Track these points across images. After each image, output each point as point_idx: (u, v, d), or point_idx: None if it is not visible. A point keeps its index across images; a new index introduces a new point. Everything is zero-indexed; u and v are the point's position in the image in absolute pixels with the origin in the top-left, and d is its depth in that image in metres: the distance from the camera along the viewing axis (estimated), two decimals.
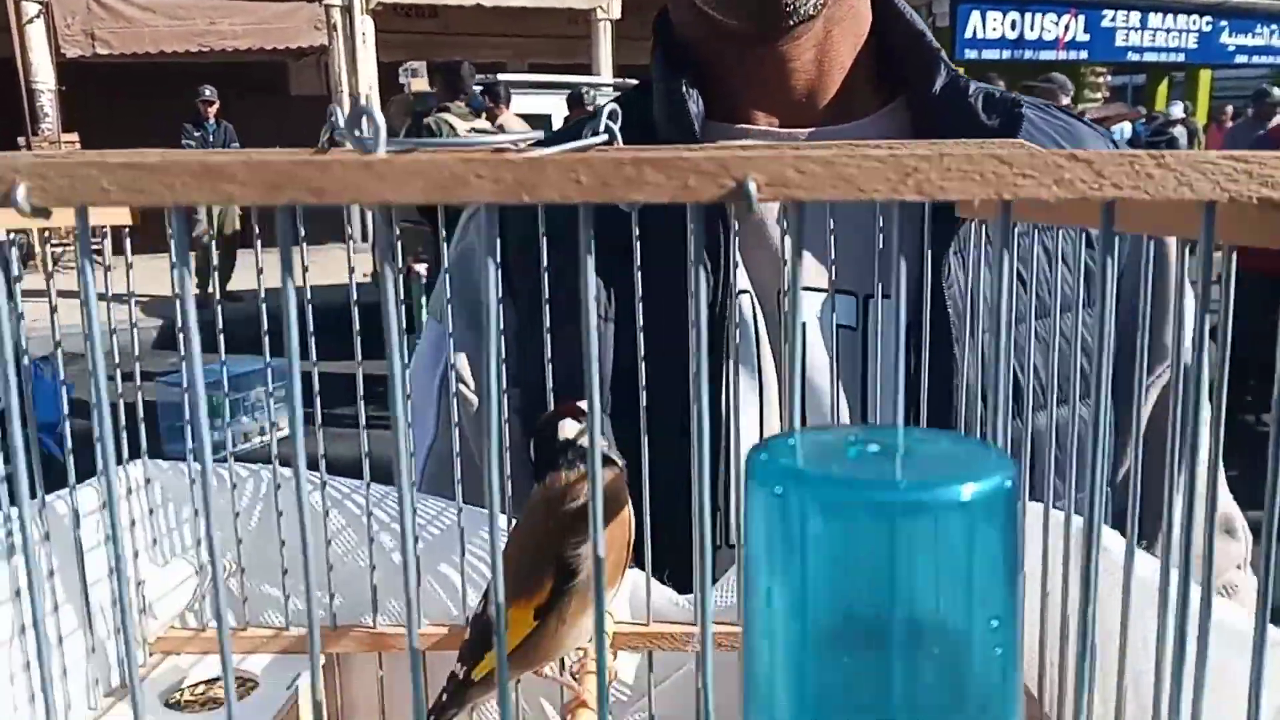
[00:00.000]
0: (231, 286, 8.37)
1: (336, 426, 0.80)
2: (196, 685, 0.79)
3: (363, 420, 0.78)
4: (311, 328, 0.67)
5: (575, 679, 0.70)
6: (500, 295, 0.96)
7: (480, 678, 0.66)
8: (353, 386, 0.73)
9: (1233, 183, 0.30)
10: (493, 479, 0.38)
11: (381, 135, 0.34)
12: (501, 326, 0.81)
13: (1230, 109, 12.61)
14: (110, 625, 0.77)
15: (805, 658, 0.31)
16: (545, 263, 0.73)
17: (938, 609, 0.29)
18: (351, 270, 0.75)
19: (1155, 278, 0.92)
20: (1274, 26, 17.98)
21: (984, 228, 0.98)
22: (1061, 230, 0.74)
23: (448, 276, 0.81)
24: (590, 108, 6.54)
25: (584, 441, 0.64)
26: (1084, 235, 0.75)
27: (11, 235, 0.62)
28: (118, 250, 0.72)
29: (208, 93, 8.88)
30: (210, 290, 7.45)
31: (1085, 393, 0.86)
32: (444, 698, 0.67)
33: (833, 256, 0.77)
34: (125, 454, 0.80)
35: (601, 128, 0.48)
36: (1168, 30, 17.04)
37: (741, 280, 0.97)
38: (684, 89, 0.96)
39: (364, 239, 9.46)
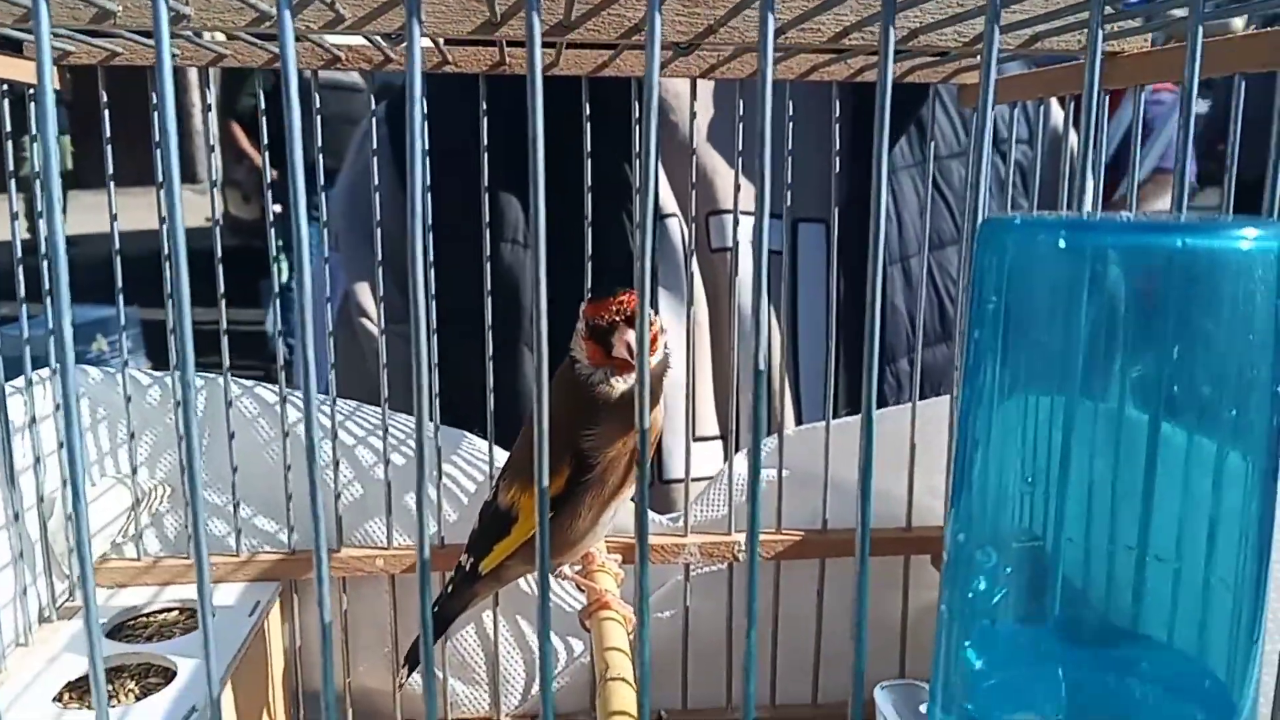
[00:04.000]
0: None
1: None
2: (139, 617, 0.72)
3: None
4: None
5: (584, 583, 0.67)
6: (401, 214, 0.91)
7: (488, 570, 0.61)
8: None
9: None
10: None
11: None
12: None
13: None
14: (37, 553, 0.69)
15: (1073, 434, 0.28)
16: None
17: (1223, 374, 0.27)
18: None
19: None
20: None
21: (912, 145, 1.00)
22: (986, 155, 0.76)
23: (339, 200, 0.74)
24: None
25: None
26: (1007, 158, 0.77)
27: None
28: None
29: None
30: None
31: None
32: (449, 589, 0.63)
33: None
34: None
35: None
36: None
37: (669, 203, 0.95)
38: None
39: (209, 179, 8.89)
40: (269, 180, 0.68)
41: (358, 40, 0.61)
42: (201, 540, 0.31)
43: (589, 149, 0.70)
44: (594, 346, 0.59)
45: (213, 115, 0.73)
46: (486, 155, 0.69)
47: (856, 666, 0.37)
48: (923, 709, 0.45)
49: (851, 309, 0.83)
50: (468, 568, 0.62)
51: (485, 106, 0.67)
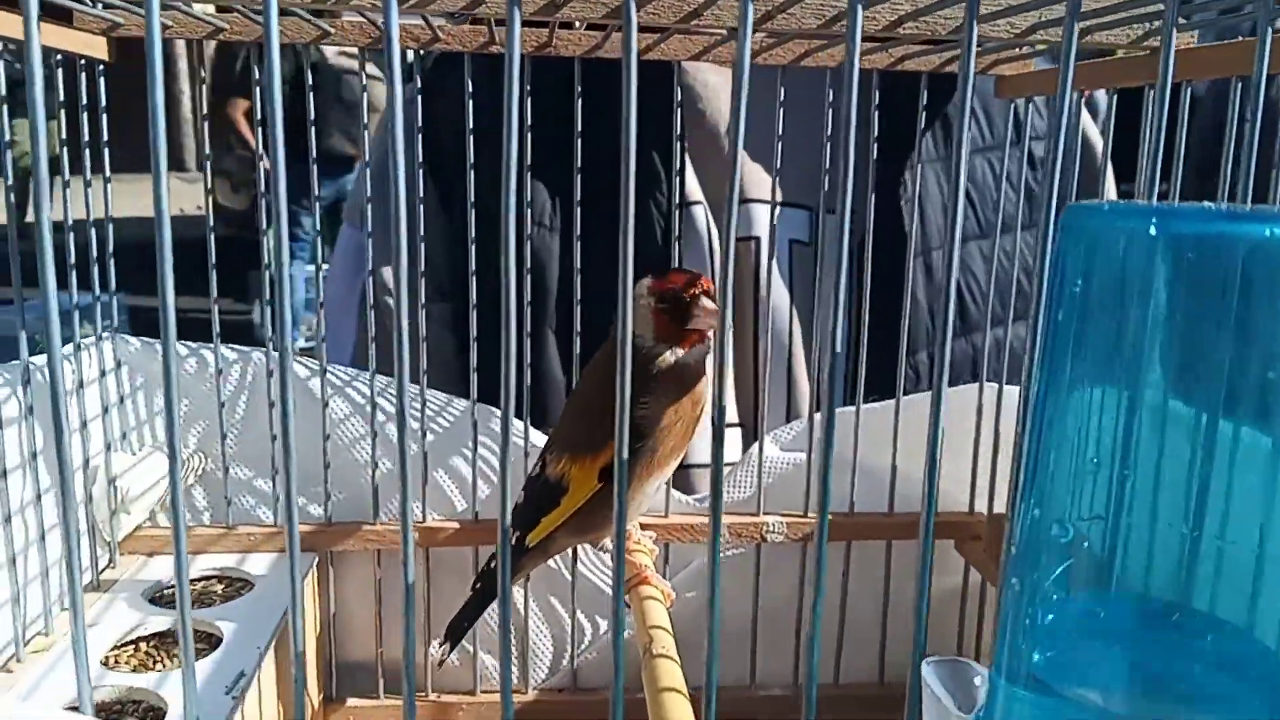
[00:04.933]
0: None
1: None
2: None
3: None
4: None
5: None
6: (432, 196, 0.92)
7: (535, 543, 0.62)
8: None
9: None
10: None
11: None
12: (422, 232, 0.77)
13: None
14: (77, 520, 0.70)
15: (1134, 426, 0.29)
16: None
17: None
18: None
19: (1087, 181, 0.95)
20: None
21: (937, 140, 1.01)
22: (1007, 151, 0.78)
23: (367, 174, 0.74)
24: None
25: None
26: (1028, 155, 0.78)
27: None
28: None
29: None
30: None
31: (1023, 311, 0.90)
32: (492, 564, 0.64)
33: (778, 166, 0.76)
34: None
35: None
36: None
37: (695, 191, 0.96)
38: None
39: (198, 169, 8.79)
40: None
41: (413, 19, 0.62)
42: (180, 512, 0.32)
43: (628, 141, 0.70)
44: (665, 320, 0.60)
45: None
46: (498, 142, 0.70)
47: (916, 641, 0.38)
48: (977, 681, 0.46)
49: (875, 297, 0.84)
50: (513, 541, 0.63)
51: (529, 87, 0.68)
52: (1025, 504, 0.33)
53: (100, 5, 0.64)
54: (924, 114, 0.73)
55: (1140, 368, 0.29)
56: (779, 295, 0.96)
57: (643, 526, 0.74)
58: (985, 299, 0.82)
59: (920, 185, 0.94)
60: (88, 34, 0.65)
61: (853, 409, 0.79)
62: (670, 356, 0.61)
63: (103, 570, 0.72)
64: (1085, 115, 0.95)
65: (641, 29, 0.66)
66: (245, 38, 0.67)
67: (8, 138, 0.58)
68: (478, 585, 0.64)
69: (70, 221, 0.67)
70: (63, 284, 0.66)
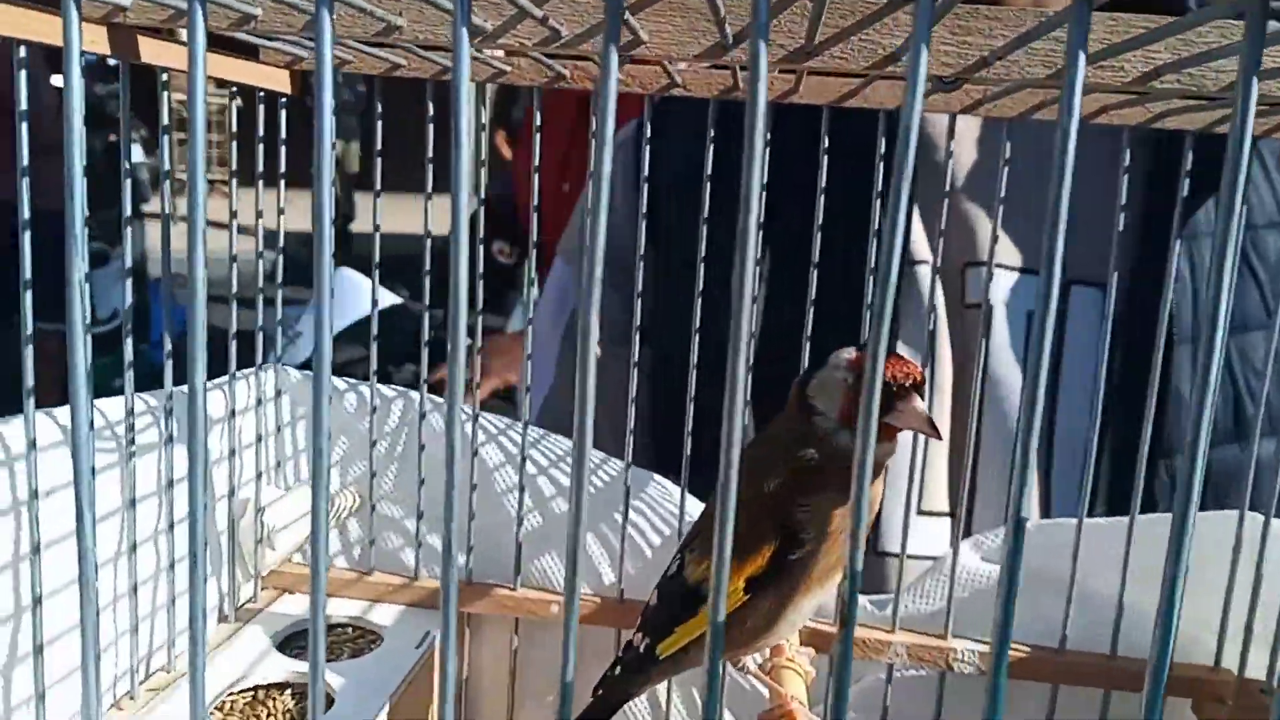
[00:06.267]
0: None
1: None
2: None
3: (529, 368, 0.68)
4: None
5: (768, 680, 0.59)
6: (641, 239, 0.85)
7: (666, 654, 0.54)
8: None
9: None
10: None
11: None
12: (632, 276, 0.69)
13: None
14: (223, 551, 0.68)
15: None
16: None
17: None
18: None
19: None
20: None
21: (1219, 210, 0.84)
22: None
23: (578, 217, 0.68)
24: None
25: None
26: None
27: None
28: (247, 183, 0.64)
29: None
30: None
31: None
32: (616, 670, 0.56)
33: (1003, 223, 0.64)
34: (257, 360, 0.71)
35: None
36: None
37: (921, 250, 0.85)
38: None
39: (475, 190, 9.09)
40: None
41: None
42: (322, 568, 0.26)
43: (823, 184, 0.62)
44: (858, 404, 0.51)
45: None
46: (722, 187, 0.62)
47: None
48: None
49: (1126, 389, 0.70)
50: (642, 649, 0.55)
51: (713, 133, 0.61)
52: None
53: (282, 40, 0.62)
54: (1187, 179, 0.60)
55: None
56: (1009, 373, 0.84)
57: (802, 639, 0.64)
58: (1269, 401, 0.67)
59: (1195, 260, 0.79)
60: (271, 67, 0.64)
61: (1074, 521, 0.66)
62: (845, 442, 0.52)
63: (243, 604, 0.71)
64: None
65: (838, 73, 0.57)
66: (422, 74, 0.64)
67: (167, 166, 0.57)
68: (599, 692, 0.57)
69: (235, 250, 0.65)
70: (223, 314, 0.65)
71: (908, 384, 0.50)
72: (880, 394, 0.51)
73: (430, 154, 0.66)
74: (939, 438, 0.51)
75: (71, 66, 0.25)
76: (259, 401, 0.70)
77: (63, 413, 0.54)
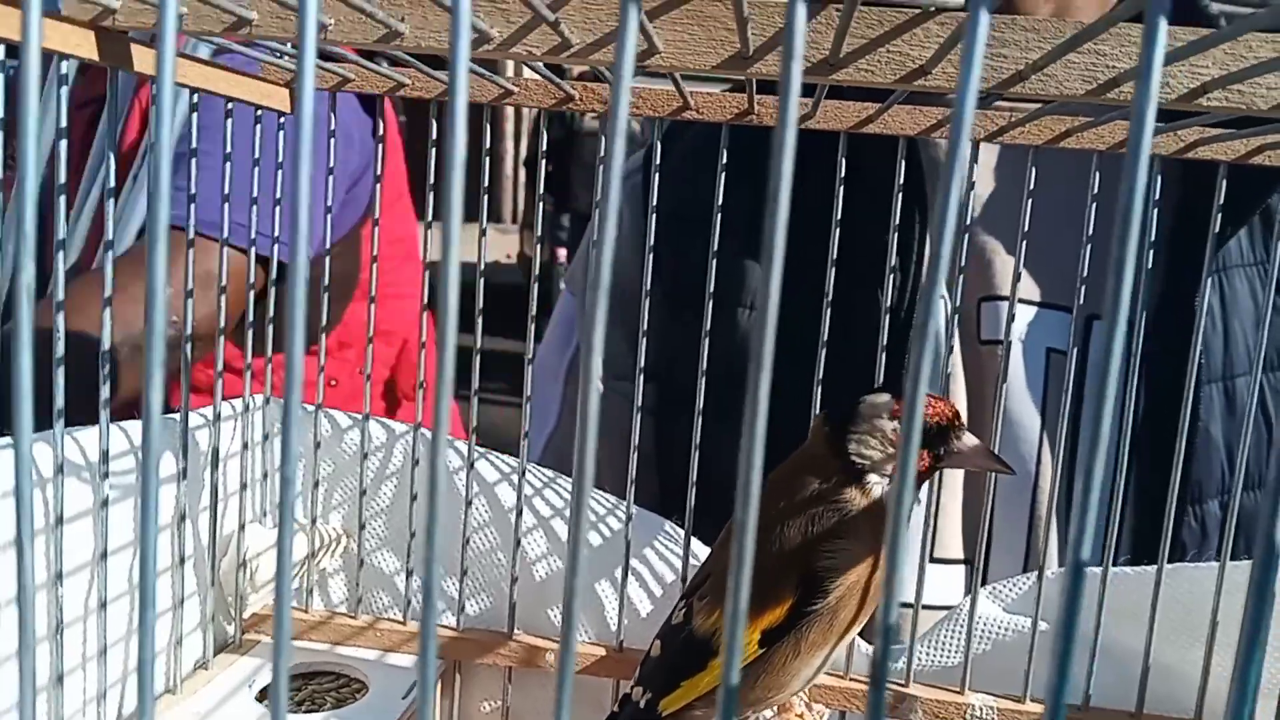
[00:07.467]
0: None
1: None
2: (292, 679, 0.66)
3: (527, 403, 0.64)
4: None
5: None
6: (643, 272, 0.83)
7: (669, 712, 0.51)
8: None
9: None
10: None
11: None
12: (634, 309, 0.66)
13: None
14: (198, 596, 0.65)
15: None
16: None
17: None
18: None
19: None
20: None
21: (1255, 240, 0.82)
22: None
23: (585, 250, 0.65)
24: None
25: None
26: None
27: None
28: None
29: None
30: None
31: None
32: None
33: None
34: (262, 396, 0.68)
35: None
36: None
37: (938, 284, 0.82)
38: None
39: (513, 220, 8.99)
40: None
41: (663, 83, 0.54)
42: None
43: (838, 216, 0.59)
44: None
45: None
46: (731, 219, 0.60)
47: None
48: None
49: (1152, 431, 0.68)
50: (641, 704, 0.51)
51: (725, 160, 0.58)
52: None
53: (385, 63, 0.60)
54: (1220, 212, 0.57)
55: None
56: (1026, 413, 0.80)
57: (813, 693, 0.61)
58: None
59: (1227, 294, 0.77)
60: (271, 85, 0.62)
61: (1097, 570, 0.63)
62: (878, 490, 0.49)
63: (221, 649, 0.67)
64: None
65: (860, 95, 0.55)
66: (426, 95, 0.61)
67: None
68: None
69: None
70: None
71: (956, 422, 0.48)
72: (936, 436, 0.48)
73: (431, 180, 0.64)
74: (1011, 472, 0.49)
75: (29, 61, 0.22)
76: (245, 446, 0.67)
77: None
